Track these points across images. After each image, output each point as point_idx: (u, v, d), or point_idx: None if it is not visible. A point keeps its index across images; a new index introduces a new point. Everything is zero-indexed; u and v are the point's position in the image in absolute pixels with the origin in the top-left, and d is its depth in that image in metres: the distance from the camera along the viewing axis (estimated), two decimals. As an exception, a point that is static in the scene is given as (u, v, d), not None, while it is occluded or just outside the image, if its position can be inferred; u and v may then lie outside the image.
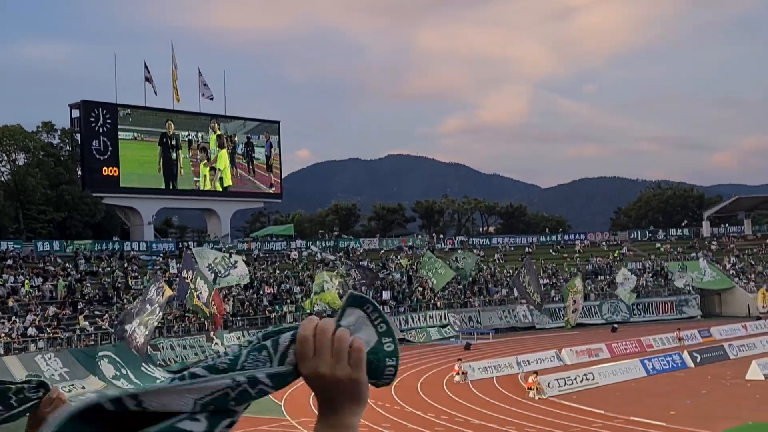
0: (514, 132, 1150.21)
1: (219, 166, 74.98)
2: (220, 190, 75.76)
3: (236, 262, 50.50)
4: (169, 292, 41.22)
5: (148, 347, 44.05)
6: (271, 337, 1.70)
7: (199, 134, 74.55)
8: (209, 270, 47.55)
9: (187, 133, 73.63)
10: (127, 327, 40.35)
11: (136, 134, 70.60)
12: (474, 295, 66.71)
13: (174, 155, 72.69)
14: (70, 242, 60.76)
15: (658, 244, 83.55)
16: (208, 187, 74.52)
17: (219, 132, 75.55)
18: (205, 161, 74.58)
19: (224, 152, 75.41)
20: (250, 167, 78.30)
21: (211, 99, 75.40)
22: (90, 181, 68.49)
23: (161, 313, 41.36)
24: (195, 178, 74.28)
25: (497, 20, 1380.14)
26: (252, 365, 1.66)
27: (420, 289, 64.97)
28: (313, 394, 1.71)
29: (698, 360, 42.72)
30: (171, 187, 72.37)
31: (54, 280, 52.70)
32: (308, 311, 54.36)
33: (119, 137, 69.99)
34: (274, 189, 79.92)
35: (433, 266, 61.45)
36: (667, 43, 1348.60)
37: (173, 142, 72.39)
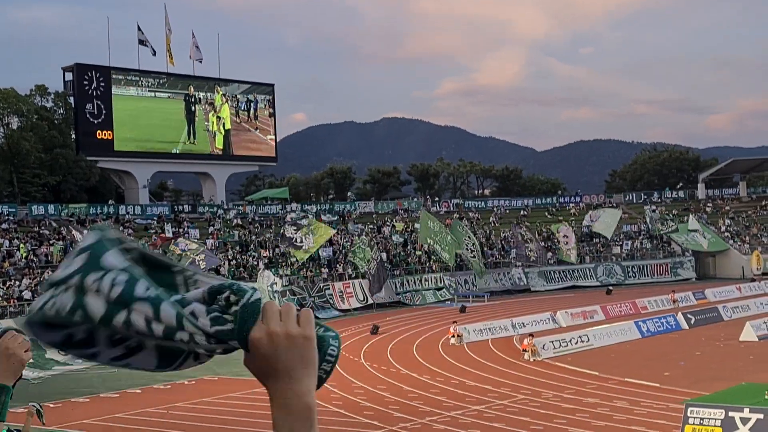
0: (509, 95, 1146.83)
1: (222, 115, 77.87)
2: (222, 134, 77.30)
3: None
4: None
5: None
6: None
7: (207, 94, 76.80)
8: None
9: (196, 93, 76.37)
10: None
11: (159, 94, 73.80)
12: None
13: (194, 108, 75.82)
14: (65, 206, 60.65)
15: (654, 207, 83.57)
16: (215, 129, 76.93)
17: (221, 92, 77.67)
18: (213, 111, 77.20)
19: (226, 105, 78.08)
20: (248, 117, 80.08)
21: (200, 62, 75.93)
22: (84, 145, 68.29)
23: None
24: (206, 123, 76.60)
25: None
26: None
27: (416, 252, 65.05)
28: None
29: (692, 322, 42.88)
30: (191, 133, 75.48)
31: (49, 244, 52.66)
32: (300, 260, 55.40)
33: (132, 95, 71.52)
34: (259, 131, 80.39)
35: (440, 240, 61.13)
36: (664, 4, 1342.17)
37: (193, 100, 75.76)
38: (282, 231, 57.18)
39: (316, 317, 1.69)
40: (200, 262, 48.55)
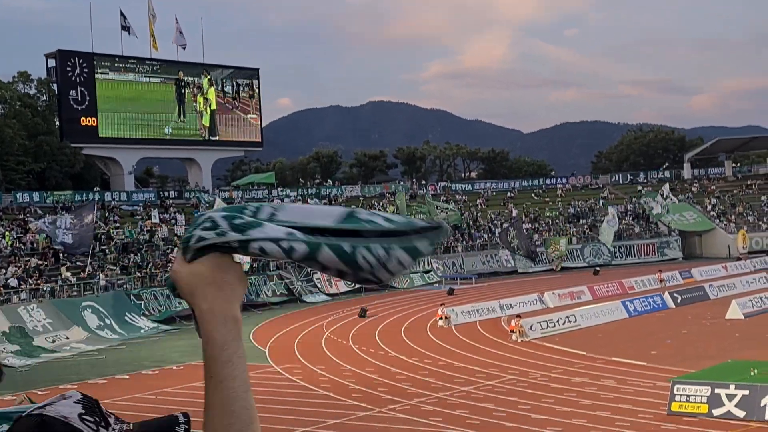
0: (495, 77, 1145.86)
1: (209, 97, 78.17)
2: (209, 113, 77.37)
3: None
4: None
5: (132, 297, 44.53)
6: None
7: (194, 78, 76.83)
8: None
9: (185, 78, 76.93)
10: None
11: (144, 79, 73.43)
12: (457, 240, 66.91)
13: (184, 92, 75.99)
14: (50, 193, 60.39)
15: (640, 187, 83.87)
16: (202, 109, 77.07)
17: (208, 77, 77.77)
18: (200, 94, 77.33)
19: (212, 89, 78.23)
20: (233, 101, 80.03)
21: (184, 48, 75.69)
22: (68, 132, 67.95)
23: None
24: (194, 103, 76.64)
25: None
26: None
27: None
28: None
29: (679, 301, 43.09)
30: (181, 113, 75.70)
31: (34, 232, 52.36)
32: None
33: (117, 81, 71.14)
34: (245, 116, 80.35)
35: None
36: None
37: (183, 84, 76.02)
38: None
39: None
40: None
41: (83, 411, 1.69)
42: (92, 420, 1.69)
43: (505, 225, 69.47)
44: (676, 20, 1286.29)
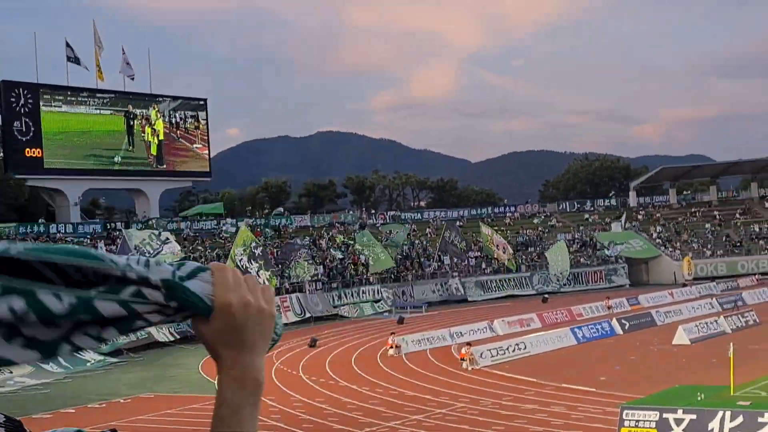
0: (443, 107, 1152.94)
1: (157, 127, 77.90)
2: (156, 143, 77.13)
3: (167, 238, 49.82)
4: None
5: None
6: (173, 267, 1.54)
7: (143, 110, 76.51)
8: (136, 252, 46.31)
9: (134, 110, 76.72)
10: None
11: (91, 110, 73.05)
12: (407, 269, 66.95)
13: (132, 123, 75.65)
14: (-6, 226, 59.40)
15: (586, 215, 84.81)
16: (150, 139, 76.69)
17: (156, 108, 77.30)
18: (148, 126, 76.96)
19: (160, 120, 77.95)
20: (181, 132, 79.85)
21: (132, 78, 75.18)
22: (13, 163, 66.99)
23: None
24: (142, 134, 76.26)
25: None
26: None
27: (353, 265, 64.99)
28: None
29: (627, 327, 43.49)
30: (131, 143, 75.48)
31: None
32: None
33: (63, 112, 70.62)
34: (193, 146, 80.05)
35: (373, 249, 62.61)
36: (592, 16, 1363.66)
37: (132, 116, 75.75)
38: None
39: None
40: None
41: None
42: None
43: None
44: (620, 51, 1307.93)
